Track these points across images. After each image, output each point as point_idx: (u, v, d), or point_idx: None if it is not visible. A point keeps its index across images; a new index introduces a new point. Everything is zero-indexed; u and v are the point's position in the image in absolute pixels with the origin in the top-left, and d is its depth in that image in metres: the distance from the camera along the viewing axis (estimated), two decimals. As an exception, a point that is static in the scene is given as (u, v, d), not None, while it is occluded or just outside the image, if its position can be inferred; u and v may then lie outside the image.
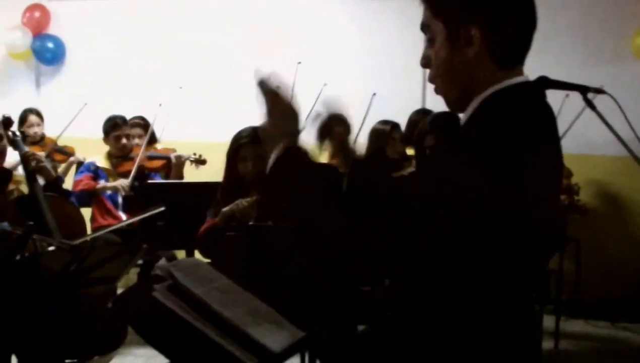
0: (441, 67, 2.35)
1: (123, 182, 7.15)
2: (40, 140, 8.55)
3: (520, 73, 2.35)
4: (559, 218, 6.77)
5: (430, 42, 2.38)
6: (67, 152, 8.52)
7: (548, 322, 6.97)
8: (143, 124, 8.11)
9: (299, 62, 8.52)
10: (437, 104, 2.66)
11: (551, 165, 2.27)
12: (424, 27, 2.39)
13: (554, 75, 3.41)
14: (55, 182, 5.29)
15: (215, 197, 5.14)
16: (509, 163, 2.10)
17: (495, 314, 2.26)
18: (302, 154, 2.39)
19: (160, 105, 8.31)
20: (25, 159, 5.07)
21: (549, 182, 2.28)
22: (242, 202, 4.87)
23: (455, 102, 2.41)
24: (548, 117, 2.29)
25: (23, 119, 8.61)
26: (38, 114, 8.71)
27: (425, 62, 2.41)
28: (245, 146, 5.05)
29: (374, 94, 8.60)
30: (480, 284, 2.21)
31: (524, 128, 2.17)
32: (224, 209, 4.90)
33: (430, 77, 2.41)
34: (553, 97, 2.70)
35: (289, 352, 2.79)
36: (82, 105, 8.45)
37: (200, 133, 9.06)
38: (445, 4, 2.33)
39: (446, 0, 2.34)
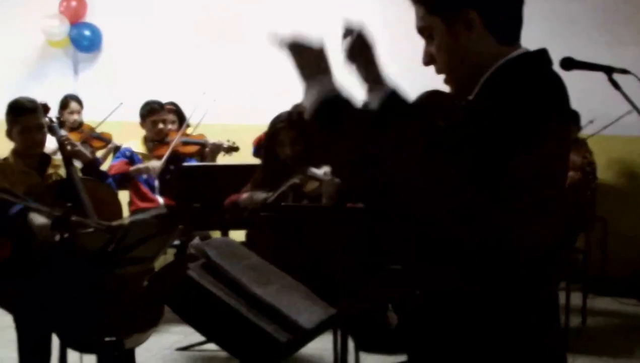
0: (447, 58, 2.35)
1: (154, 164, 7.14)
2: (78, 127, 8.60)
3: (520, 47, 2.35)
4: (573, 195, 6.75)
5: (429, 38, 2.38)
6: (104, 139, 8.58)
7: (575, 299, 6.93)
8: (175, 109, 8.12)
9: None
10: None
11: (560, 138, 2.26)
12: (421, 30, 2.40)
13: (580, 56, 3.39)
14: (92, 164, 5.30)
15: (252, 176, 5.24)
16: (520, 142, 2.11)
17: (520, 313, 2.26)
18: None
19: (204, 93, 8.27)
20: (61, 144, 5.09)
21: (558, 155, 2.28)
22: (258, 195, 4.96)
23: (463, 89, 2.41)
24: (555, 86, 2.27)
25: (65, 104, 8.68)
26: (79, 102, 8.78)
27: (428, 60, 2.42)
28: (282, 130, 5.11)
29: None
30: (505, 283, 2.22)
31: (532, 102, 2.16)
32: (244, 196, 5.01)
33: (438, 70, 2.41)
34: (577, 78, 2.69)
35: (320, 329, 2.79)
36: (118, 105, 8.45)
37: (231, 117, 9.10)
38: None
39: None
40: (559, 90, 2.27)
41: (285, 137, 5.08)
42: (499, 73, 2.29)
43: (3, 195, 4.40)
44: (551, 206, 2.24)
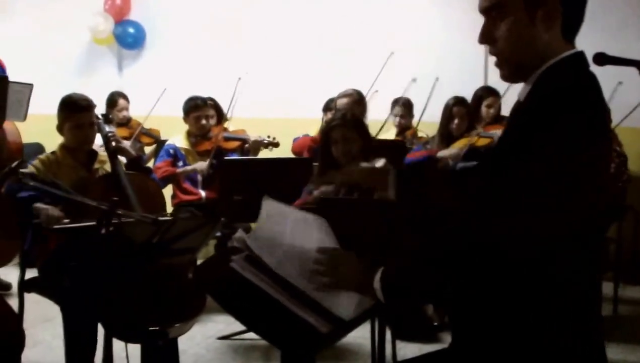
0: (515, 40, 2.32)
1: (201, 165, 7.24)
2: (127, 123, 8.67)
3: (574, 45, 2.36)
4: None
5: (495, 17, 2.34)
6: (153, 135, 8.66)
7: (607, 288, 6.86)
8: (214, 105, 8.14)
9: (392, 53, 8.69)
10: (499, 82, 2.62)
11: (603, 142, 2.26)
12: (492, 7, 2.35)
13: (612, 49, 3.36)
14: (136, 161, 5.34)
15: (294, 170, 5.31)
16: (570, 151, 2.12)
17: (560, 302, 2.27)
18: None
19: (239, 78, 8.25)
20: (106, 140, 5.13)
21: (604, 159, 2.28)
22: (328, 188, 4.98)
23: (517, 74, 2.39)
24: (596, 90, 2.28)
25: (114, 102, 8.75)
26: (126, 98, 8.85)
27: (486, 38, 2.38)
28: (335, 129, 5.18)
29: (437, 79, 8.51)
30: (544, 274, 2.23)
31: (580, 112, 2.17)
32: (315, 193, 5.02)
33: (494, 50, 2.38)
34: (610, 70, 2.68)
35: (360, 320, 2.79)
36: (162, 91, 8.52)
37: (269, 111, 9.15)
38: None
39: None
40: (601, 100, 2.27)
41: (339, 135, 5.14)
42: (550, 75, 2.29)
43: (48, 188, 4.42)
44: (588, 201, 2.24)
